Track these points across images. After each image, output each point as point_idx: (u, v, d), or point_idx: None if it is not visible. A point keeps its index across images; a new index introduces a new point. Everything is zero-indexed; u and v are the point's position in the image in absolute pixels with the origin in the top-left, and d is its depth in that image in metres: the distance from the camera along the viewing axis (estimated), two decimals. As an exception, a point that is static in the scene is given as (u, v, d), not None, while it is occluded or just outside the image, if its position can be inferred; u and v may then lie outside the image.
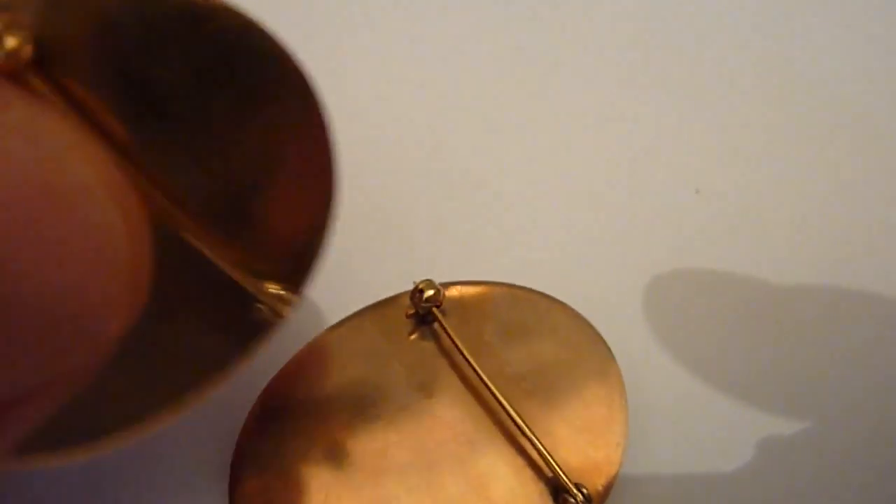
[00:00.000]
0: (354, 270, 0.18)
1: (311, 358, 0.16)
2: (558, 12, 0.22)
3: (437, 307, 0.16)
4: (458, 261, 0.18)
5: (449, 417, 0.15)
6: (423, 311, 0.16)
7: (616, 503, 0.15)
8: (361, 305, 0.16)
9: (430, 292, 0.16)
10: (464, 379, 0.16)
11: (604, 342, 0.16)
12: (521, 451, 0.15)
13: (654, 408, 0.16)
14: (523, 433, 0.15)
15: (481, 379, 0.15)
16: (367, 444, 0.15)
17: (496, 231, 0.19)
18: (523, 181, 0.19)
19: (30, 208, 0.07)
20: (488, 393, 0.15)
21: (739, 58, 0.22)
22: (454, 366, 0.16)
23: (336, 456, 0.15)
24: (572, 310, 0.17)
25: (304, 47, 0.12)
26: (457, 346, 0.15)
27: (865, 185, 0.20)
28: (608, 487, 0.15)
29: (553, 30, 0.22)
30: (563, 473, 0.14)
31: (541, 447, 0.15)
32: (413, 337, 0.16)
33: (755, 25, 0.22)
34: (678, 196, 0.19)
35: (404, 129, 0.20)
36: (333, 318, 0.16)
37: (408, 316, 0.16)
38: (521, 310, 0.16)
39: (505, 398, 0.15)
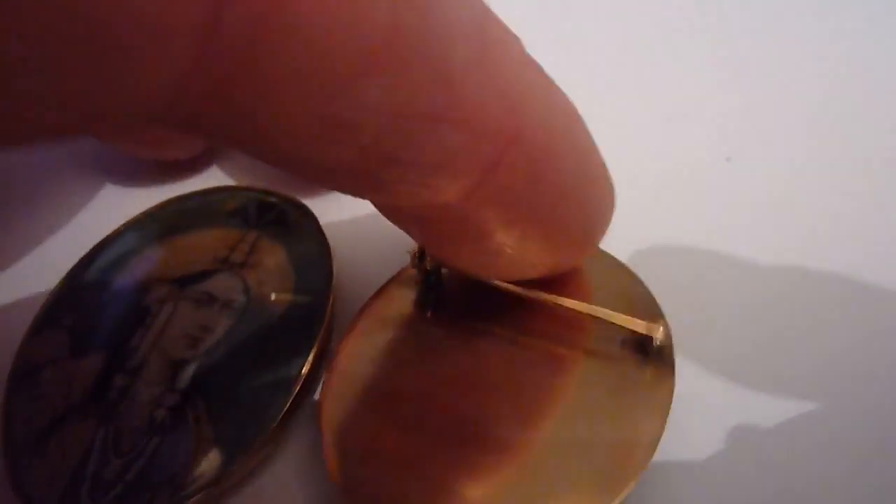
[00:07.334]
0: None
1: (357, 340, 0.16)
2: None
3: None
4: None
5: (507, 344, 0.15)
6: (431, 268, 0.16)
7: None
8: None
9: None
10: (499, 311, 0.15)
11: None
12: (588, 333, 0.15)
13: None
14: (584, 313, 0.15)
15: (516, 294, 0.15)
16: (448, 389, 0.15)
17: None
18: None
19: None
20: (529, 307, 0.15)
21: (780, 26, 0.21)
22: (481, 307, 0.16)
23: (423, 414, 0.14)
24: None
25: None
26: (476, 283, 0.15)
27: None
28: (668, 327, 0.15)
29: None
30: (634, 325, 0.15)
31: (605, 316, 0.14)
32: (429, 301, 0.16)
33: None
34: (709, 164, 0.19)
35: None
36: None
37: (417, 283, 0.16)
38: None
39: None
